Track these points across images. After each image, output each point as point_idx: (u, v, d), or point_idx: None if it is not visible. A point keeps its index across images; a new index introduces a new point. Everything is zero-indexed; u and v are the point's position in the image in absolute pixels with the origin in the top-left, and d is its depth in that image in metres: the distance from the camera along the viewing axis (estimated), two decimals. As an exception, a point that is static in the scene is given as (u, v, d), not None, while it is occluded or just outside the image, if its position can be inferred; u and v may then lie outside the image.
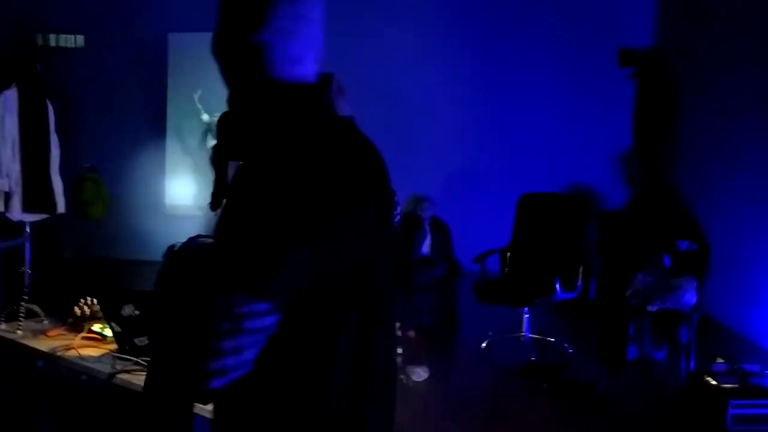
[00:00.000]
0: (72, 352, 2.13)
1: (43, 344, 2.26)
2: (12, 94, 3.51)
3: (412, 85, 6.99)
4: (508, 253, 4.86)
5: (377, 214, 1.11)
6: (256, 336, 0.95)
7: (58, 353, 2.07)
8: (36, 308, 2.84)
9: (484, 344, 4.58)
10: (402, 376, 4.01)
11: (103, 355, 2.14)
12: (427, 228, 6.76)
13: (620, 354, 4.43)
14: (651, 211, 6.12)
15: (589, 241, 4.85)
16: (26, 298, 3.09)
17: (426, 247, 6.81)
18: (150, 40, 6.97)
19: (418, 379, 4.02)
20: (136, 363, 2.03)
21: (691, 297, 4.37)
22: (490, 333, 4.67)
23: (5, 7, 5.86)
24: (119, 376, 1.95)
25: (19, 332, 2.41)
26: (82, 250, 6.93)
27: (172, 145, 6.98)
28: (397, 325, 4.93)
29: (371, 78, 7.01)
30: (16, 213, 3.98)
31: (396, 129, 7.13)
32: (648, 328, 4.42)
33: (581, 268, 4.46)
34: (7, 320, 2.59)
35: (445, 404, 3.79)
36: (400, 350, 4.47)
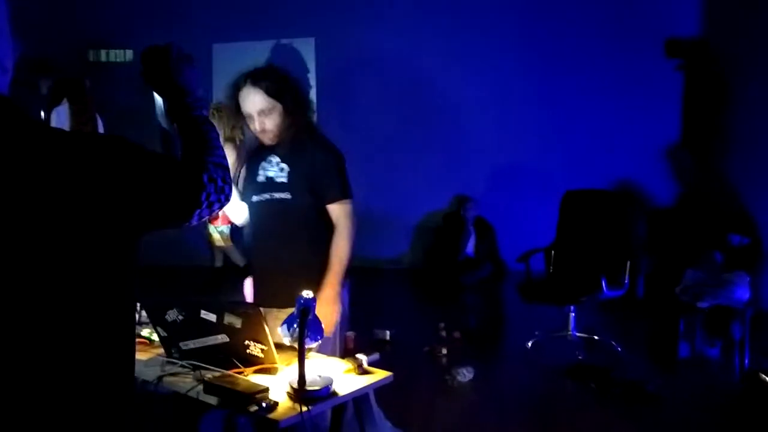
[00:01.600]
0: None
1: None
2: (63, 110, 3.68)
3: (455, 84, 6.99)
4: (553, 252, 4.81)
5: None
6: None
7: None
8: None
9: (529, 344, 4.55)
10: (447, 377, 4.02)
11: (150, 359, 2.21)
12: (472, 228, 6.75)
13: (671, 352, 4.34)
14: (701, 206, 5.98)
15: (636, 238, 4.75)
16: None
17: (470, 248, 6.80)
18: (195, 52, 7.14)
19: (463, 380, 4.01)
20: (182, 366, 2.11)
21: (743, 292, 4.25)
22: (536, 332, 4.64)
23: (57, 24, 6.11)
24: (166, 378, 2.02)
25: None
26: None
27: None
28: (442, 325, 4.95)
29: (413, 78, 7.05)
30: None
31: (439, 129, 7.15)
32: (699, 325, 4.31)
33: (628, 265, 4.38)
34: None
35: (492, 405, 3.77)
36: (444, 350, 4.49)
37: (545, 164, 6.78)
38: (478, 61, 6.93)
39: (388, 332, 4.77)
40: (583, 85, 6.74)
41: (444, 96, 7.04)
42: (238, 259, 5.75)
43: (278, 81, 2.53)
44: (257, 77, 2.51)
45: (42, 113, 3.52)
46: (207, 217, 1.28)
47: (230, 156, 3.26)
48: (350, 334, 4.14)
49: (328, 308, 2.46)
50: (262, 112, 2.49)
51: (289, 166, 2.57)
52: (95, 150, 1.10)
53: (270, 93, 2.49)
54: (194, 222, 1.26)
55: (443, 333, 4.88)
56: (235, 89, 2.54)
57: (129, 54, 6.51)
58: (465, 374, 4.04)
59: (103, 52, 4.84)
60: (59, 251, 1.03)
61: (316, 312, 2.29)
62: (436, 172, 7.17)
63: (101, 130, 4.11)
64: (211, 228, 5.70)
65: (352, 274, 2.64)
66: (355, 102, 7.01)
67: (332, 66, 7.10)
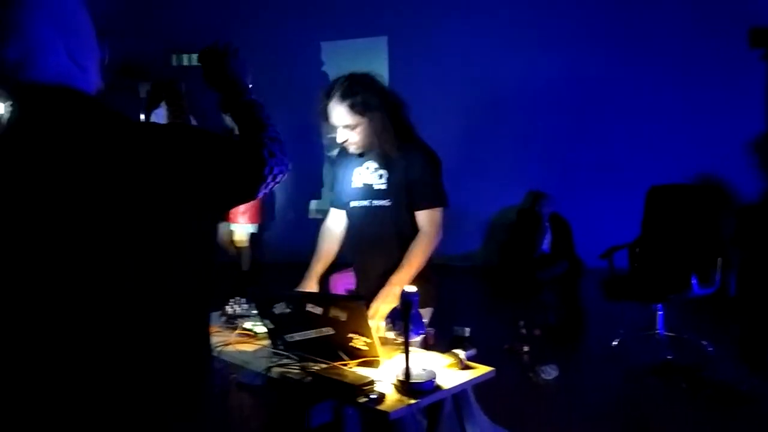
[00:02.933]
0: (230, 348, 2.30)
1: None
2: (161, 112, 3.84)
3: (529, 78, 6.90)
4: (637, 248, 4.69)
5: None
6: None
7: (218, 349, 2.24)
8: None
9: (615, 342, 4.46)
10: (531, 375, 3.98)
11: (257, 350, 2.28)
12: (547, 224, 6.65)
13: (765, 352, 4.17)
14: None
15: (725, 234, 4.59)
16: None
17: (546, 244, 6.70)
18: (302, 50, 7.32)
19: (548, 378, 3.97)
20: (288, 357, 2.16)
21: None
22: (620, 331, 4.53)
23: (144, 30, 6.34)
24: (274, 369, 2.08)
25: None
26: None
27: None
28: (522, 323, 4.90)
29: (486, 72, 7.00)
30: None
31: (512, 124, 7.07)
32: (796, 325, 4.13)
33: (719, 262, 4.24)
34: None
35: (578, 403, 3.72)
36: (526, 348, 4.44)
37: (626, 158, 6.61)
38: (554, 54, 6.81)
39: (467, 329, 4.74)
40: (664, 76, 6.53)
41: (518, 90, 6.96)
42: (246, 262, 5.81)
43: (365, 96, 2.48)
44: (344, 94, 2.48)
45: (142, 115, 3.67)
46: (271, 189, 1.37)
47: None
48: (430, 330, 4.15)
49: (384, 306, 2.41)
50: (346, 127, 2.51)
51: (388, 172, 2.57)
52: (168, 137, 1.20)
53: (355, 110, 2.48)
54: (259, 195, 1.35)
55: (523, 330, 4.83)
56: (325, 98, 2.54)
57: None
58: (549, 372, 4.00)
59: (185, 57, 5.03)
60: (146, 233, 1.11)
61: (372, 305, 2.32)
62: (510, 167, 7.10)
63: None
64: (234, 226, 5.73)
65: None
66: (427, 98, 7.01)
67: (405, 63, 7.12)
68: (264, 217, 6.16)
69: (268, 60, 6.74)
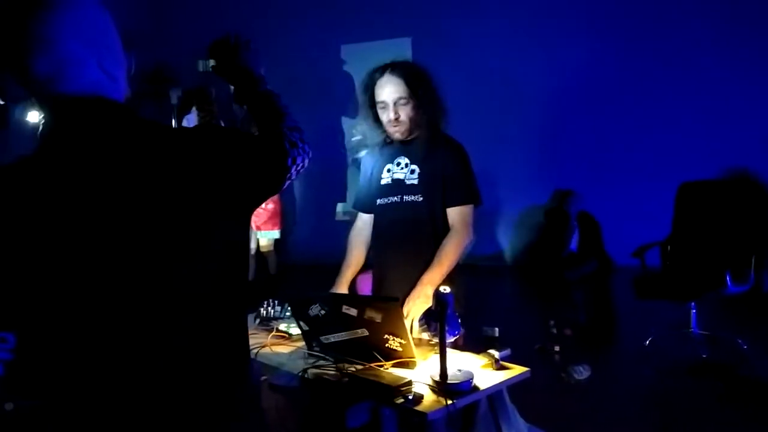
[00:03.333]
0: (266, 350, 2.32)
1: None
2: (192, 117, 3.90)
3: (553, 76, 6.86)
4: (669, 246, 4.63)
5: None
6: None
7: (254, 351, 2.26)
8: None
9: (647, 341, 4.40)
10: (563, 375, 3.95)
11: (292, 352, 2.30)
12: (575, 223, 6.61)
13: (803, 350, 4.10)
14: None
15: (759, 230, 4.51)
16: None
17: (574, 243, 6.65)
18: (325, 54, 7.37)
19: (580, 378, 3.94)
20: (324, 359, 2.18)
21: None
22: (653, 329, 4.48)
23: (169, 37, 6.43)
24: (310, 370, 2.10)
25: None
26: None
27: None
28: (552, 322, 4.87)
29: (510, 72, 6.97)
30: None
31: (537, 123, 7.03)
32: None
33: (753, 259, 4.17)
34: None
35: (612, 404, 3.68)
36: (558, 348, 4.41)
37: (653, 155, 6.54)
38: (580, 51, 6.76)
39: (497, 329, 4.74)
40: (694, 70, 6.45)
41: (543, 88, 6.92)
42: (273, 267, 5.85)
43: (417, 74, 2.51)
44: (397, 67, 2.51)
45: (173, 121, 3.73)
46: (295, 178, 1.38)
47: None
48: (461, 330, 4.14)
49: (417, 307, 2.38)
50: (398, 101, 2.48)
51: (419, 167, 2.54)
52: (196, 139, 1.22)
53: (408, 83, 2.47)
54: (285, 186, 1.37)
55: (554, 330, 4.80)
56: (371, 80, 2.53)
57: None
58: (582, 372, 3.96)
59: (211, 62, 5.06)
60: (186, 234, 1.13)
61: (405, 305, 2.31)
62: (537, 166, 7.06)
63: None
64: (260, 234, 5.76)
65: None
66: (452, 99, 6.97)
67: (429, 64, 7.09)
68: (286, 222, 6.24)
69: (291, 63, 6.78)
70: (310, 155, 1.39)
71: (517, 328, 4.97)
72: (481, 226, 6.60)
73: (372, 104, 2.55)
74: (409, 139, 2.57)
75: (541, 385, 3.90)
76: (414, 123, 2.51)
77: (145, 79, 4.17)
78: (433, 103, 2.52)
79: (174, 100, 3.43)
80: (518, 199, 7.22)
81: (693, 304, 4.31)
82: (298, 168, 1.35)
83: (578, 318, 5.33)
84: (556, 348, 4.42)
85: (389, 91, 2.48)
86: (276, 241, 5.95)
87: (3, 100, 4.72)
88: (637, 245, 4.57)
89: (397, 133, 2.54)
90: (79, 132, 1.14)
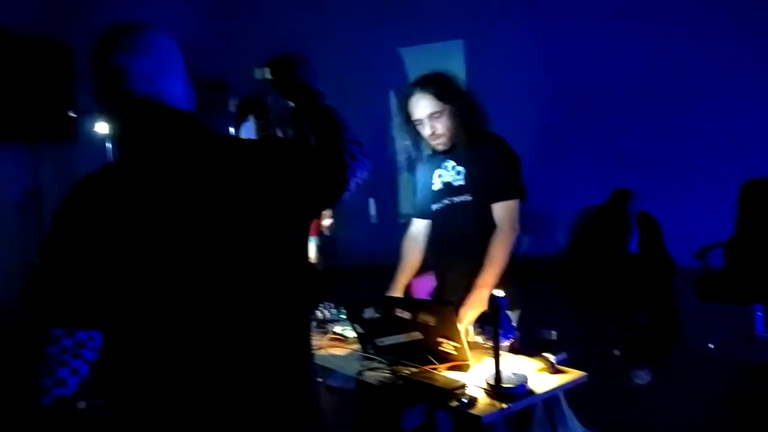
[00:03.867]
0: (322, 352, 2.37)
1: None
2: (250, 125, 4.00)
3: (614, 73, 6.73)
4: (733, 246, 4.49)
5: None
6: (74, 362, 1.10)
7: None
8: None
9: (711, 345, 4.27)
10: (624, 379, 3.88)
11: (348, 354, 2.34)
12: (635, 223, 6.46)
13: None
14: None
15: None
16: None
17: (634, 244, 6.50)
18: (381, 57, 7.44)
19: (641, 382, 3.86)
20: (380, 362, 2.21)
21: None
22: (717, 332, 4.35)
23: (228, 46, 6.59)
24: (366, 373, 2.13)
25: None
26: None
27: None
28: (610, 326, 4.78)
29: (564, 72, 6.87)
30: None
31: (596, 122, 6.91)
32: None
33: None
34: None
35: (674, 410, 3.59)
36: (617, 352, 4.33)
37: (715, 153, 6.33)
38: (636, 47, 6.61)
39: (554, 332, 4.66)
40: (754, 63, 6.22)
41: (600, 87, 6.79)
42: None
43: (446, 85, 2.57)
44: (425, 83, 2.58)
45: (232, 129, 3.83)
46: (353, 191, 1.42)
47: None
48: (516, 334, 4.11)
49: (471, 312, 2.37)
50: (432, 116, 2.55)
51: (465, 168, 2.59)
52: (265, 150, 1.29)
53: (439, 97, 2.54)
54: (344, 197, 1.41)
55: (613, 333, 4.71)
56: (405, 98, 2.61)
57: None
58: (643, 376, 3.88)
59: (267, 70, 5.15)
60: (258, 241, 1.20)
61: (460, 310, 2.31)
62: (594, 166, 6.94)
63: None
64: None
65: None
66: (505, 100, 6.93)
67: (481, 65, 7.09)
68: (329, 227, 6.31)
69: (348, 67, 6.86)
70: (369, 168, 1.43)
71: (575, 331, 4.89)
72: (539, 227, 6.56)
73: (409, 122, 2.62)
74: (451, 146, 2.62)
75: (600, 390, 3.83)
76: (452, 132, 2.57)
77: (208, 88, 4.32)
78: (467, 108, 2.56)
79: (232, 108, 3.53)
80: (577, 199, 7.10)
81: (759, 306, 4.16)
82: (357, 180, 1.40)
83: (638, 321, 5.21)
84: (616, 352, 4.34)
85: (422, 107, 2.55)
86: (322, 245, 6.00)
87: (75, 113, 4.93)
88: (699, 245, 4.44)
89: (439, 145, 2.62)
90: (159, 141, 1.22)
